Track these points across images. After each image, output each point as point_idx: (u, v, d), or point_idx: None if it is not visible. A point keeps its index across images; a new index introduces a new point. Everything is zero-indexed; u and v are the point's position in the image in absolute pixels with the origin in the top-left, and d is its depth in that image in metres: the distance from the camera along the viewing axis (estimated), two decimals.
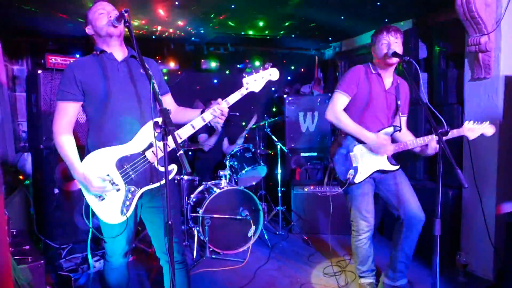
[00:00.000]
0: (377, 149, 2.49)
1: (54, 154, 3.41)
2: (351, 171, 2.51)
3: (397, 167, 2.57)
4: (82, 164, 1.91)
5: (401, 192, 2.55)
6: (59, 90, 1.95)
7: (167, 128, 1.59)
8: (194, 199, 3.81)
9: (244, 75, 2.06)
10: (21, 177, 3.90)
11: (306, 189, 4.23)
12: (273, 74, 2.11)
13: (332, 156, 2.61)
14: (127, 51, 2.04)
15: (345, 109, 2.56)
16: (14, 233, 2.79)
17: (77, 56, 4.10)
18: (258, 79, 2.07)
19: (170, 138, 1.60)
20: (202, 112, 2.02)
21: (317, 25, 4.22)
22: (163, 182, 1.95)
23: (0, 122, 3.49)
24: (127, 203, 1.95)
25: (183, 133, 1.96)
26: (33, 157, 3.81)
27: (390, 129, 2.56)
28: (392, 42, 2.45)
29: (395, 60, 2.45)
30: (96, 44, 2.02)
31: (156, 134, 1.82)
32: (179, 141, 1.87)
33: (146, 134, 1.96)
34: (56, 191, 3.49)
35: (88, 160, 1.93)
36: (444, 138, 2.34)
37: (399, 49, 2.46)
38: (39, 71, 3.43)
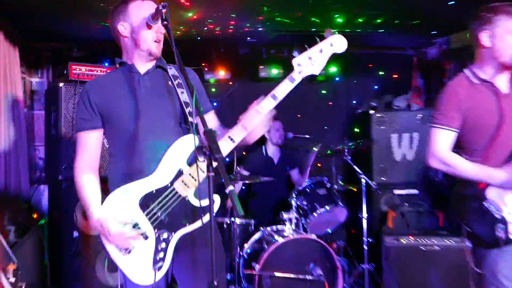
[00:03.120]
0: None
1: (75, 188, 3.56)
2: (500, 226, 2.27)
3: None
4: (101, 208, 1.96)
5: None
6: (76, 119, 2.09)
7: (213, 156, 1.54)
8: (248, 251, 3.79)
9: (294, 54, 1.99)
10: (35, 215, 4.11)
11: (404, 241, 4.02)
12: (336, 43, 2.01)
13: (461, 216, 2.42)
14: (154, 61, 2.10)
15: (458, 147, 2.38)
16: (23, 287, 2.89)
17: (106, 65, 4.35)
18: (314, 55, 2.00)
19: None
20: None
21: (416, 15, 4.09)
22: (204, 219, 1.89)
23: (13, 148, 3.72)
24: (161, 254, 1.92)
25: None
26: (50, 190, 4.01)
27: None
28: None
29: None
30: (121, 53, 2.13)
31: (199, 162, 1.77)
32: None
33: (172, 160, 1.96)
34: (76, 234, 3.61)
35: (107, 204, 1.97)
36: None
37: None
38: (61, 84, 3.66)
